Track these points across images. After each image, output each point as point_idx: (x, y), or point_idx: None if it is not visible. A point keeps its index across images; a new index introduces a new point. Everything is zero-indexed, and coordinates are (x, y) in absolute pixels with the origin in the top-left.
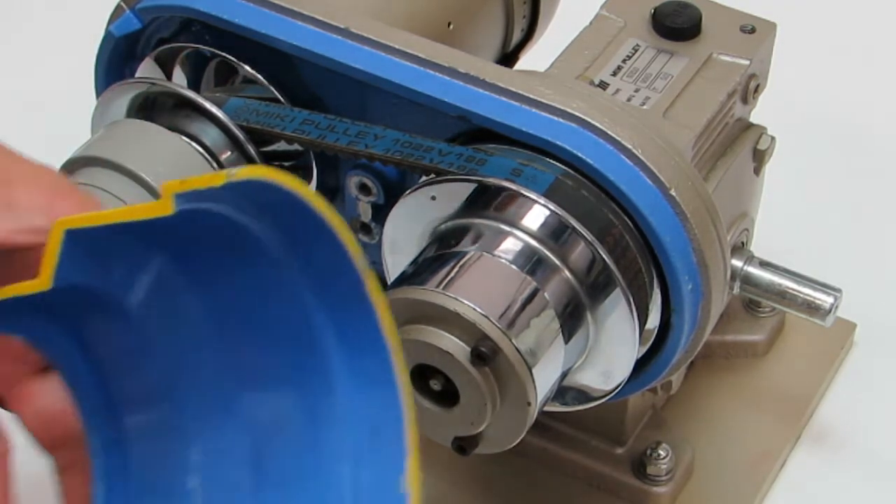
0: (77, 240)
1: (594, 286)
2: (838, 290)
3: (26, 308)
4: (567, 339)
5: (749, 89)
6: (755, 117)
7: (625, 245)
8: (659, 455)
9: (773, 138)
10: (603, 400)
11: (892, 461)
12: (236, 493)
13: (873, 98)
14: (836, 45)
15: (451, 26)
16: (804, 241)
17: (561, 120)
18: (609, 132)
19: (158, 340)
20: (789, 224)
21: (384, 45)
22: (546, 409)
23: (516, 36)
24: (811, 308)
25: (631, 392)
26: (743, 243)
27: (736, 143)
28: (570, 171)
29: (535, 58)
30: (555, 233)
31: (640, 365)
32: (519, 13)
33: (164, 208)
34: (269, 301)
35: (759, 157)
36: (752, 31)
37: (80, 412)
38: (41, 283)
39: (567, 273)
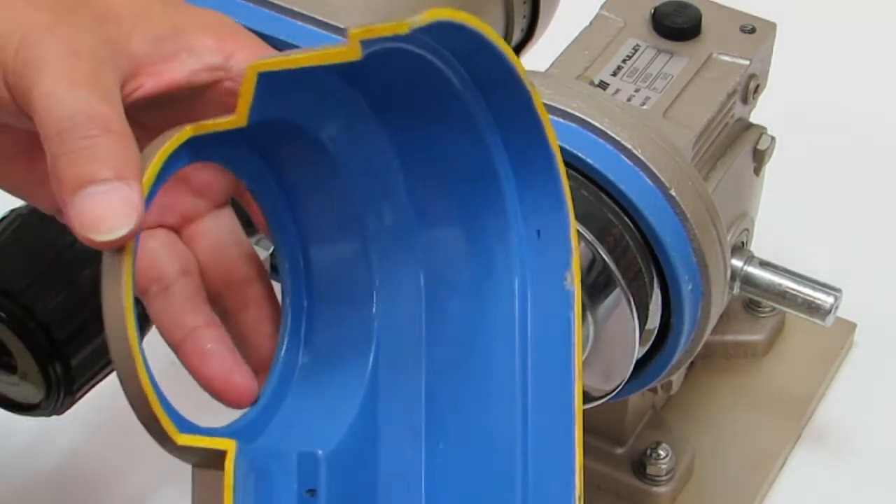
0: (269, 80)
1: (594, 286)
2: (838, 290)
3: (226, 139)
4: None
5: (749, 89)
6: (755, 117)
7: (625, 245)
8: (659, 455)
9: (773, 138)
10: (603, 400)
11: (893, 461)
12: (413, 310)
13: (873, 98)
14: (837, 45)
15: None
16: (804, 241)
17: (561, 120)
18: (609, 132)
19: (348, 175)
20: (789, 224)
21: None
22: None
23: (516, 36)
24: (811, 308)
25: (631, 392)
26: (743, 243)
27: (736, 143)
28: (570, 170)
29: (535, 58)
30: None
31: (640, 365)
32: (519, 13)
33: (352, 53)
34: (451, 135)
35: (759, 157)
36: (752, 31)
37: (274, 239)
38: (238, 119)
39: None
